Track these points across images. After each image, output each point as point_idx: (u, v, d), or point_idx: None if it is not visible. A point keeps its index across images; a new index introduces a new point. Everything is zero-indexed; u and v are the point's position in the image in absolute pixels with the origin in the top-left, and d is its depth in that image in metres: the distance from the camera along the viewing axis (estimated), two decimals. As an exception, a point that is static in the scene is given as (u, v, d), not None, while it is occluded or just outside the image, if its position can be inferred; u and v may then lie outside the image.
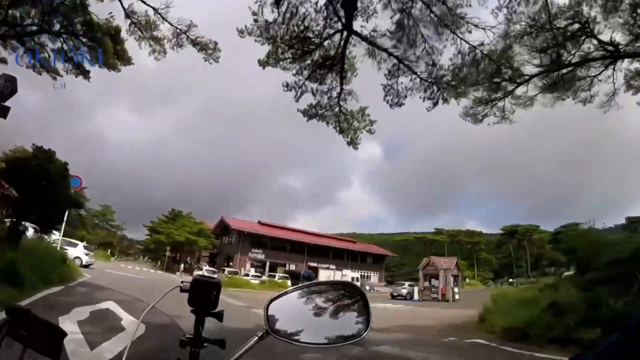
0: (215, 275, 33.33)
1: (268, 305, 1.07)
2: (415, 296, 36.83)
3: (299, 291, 1.11)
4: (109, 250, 58.08)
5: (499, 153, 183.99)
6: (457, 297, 36.02)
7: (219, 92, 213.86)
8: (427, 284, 38.01)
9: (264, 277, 41.72)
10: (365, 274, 60.56)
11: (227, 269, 42.05)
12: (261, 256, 54.48)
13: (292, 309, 1.08)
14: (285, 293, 1.11)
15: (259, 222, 59.27)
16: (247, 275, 40.54)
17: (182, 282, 1.10)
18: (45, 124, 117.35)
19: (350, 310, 1.11)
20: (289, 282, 36.77)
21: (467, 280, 64.79)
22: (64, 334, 1.15)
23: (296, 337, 1.05)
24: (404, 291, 38.14)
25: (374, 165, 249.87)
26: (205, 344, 1.05)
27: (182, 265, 54.01)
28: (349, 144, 15.07)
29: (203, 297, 1.07)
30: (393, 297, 37.27)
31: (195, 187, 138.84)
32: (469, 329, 13.02)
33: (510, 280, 65.69)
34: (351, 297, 1.13)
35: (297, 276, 40.84)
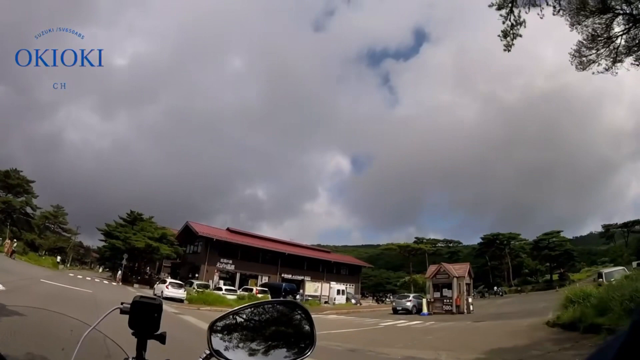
0: (181, 290, 28.41)
1: (211, 327, 1.05)
2: (424, 310, 32.89)
3: (244, 311, 1.10)
4: (58, 257, 51.67)
5: (463, 165, 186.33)
6: (471, 308, 32.38)
7: (185, 101, 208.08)
8: (437, 294, 34.06)
9: (240, 292, 36.82)
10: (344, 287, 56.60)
11: (195, 282, 36.94)
12: (231, 267, 49.72)
13: (236, 330, 1.07)
14: (230, 314, 1.09)
15: (228, 230, 54.50)
16: (220, 289, 35.57)
17: (121, 302, 1.07)
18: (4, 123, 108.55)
19: (294, 328, 1.11)
20: (269, 297, 32.55)
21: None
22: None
23: (240, 358, 1.04)
24: (409, 304, 33.94)
25: (341, 178, 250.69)
26: None
27: (137, 277, 48.82)
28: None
29: (144, 318, 1.04)
30: (396, 311, 33.25)
31: (157, 193, 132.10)
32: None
33: (496, 288, 63.05)
34: (295, 315, 1.13)
35: (279, 290, 36.87)
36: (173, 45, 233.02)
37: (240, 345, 1.06)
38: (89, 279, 38.40)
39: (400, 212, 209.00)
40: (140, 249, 45.34)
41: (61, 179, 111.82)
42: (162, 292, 28.26)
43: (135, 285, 44.07)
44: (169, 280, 33.21)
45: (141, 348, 1.04)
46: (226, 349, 1.04)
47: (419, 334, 17.86)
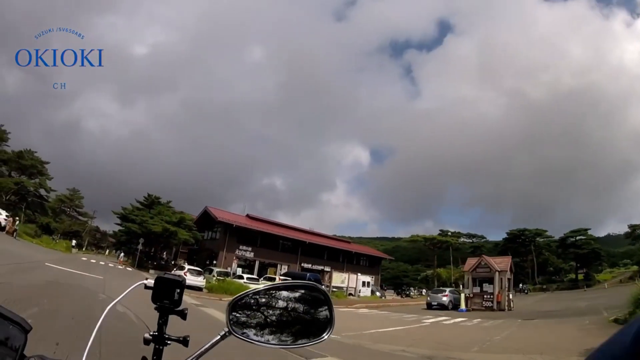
0: (200, 277, 25.92)
1: (231, 305, 1.08)
2: (462, 305, 30.44)
3: (264, 292, 1.11)
4: (73, 241, 50.17)
5: (484, 161, 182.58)
6: (512, 305, 30.04)
7: (204, 90, 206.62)
8: (476, 289, 31.57)
9: (262, 281, 34.67)
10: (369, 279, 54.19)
11: (215, 269, 34.91)
12: (250, 254, 47.68)
13: (255, 310, 1.09)
14: (250, 293, 1.11)
15: (248, 216, 52.30)
16: (241, 277, 33.46)
17: (146, 278, 1.12)
18: (23, 108, 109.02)
19: (313, 311, 1.12)
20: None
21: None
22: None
23: (258, 338, 1.07)
24: (446, 299, 31.50)
25: (360, 170, 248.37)
26: (168, 342, 1.06)
27: (153, 262, 47.10)
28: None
29: (167, 295, 1.07)
30: (430, 306, 30.84)
31: (174, 181, 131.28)
32: None
33: (521, 286, 60.19)
34: (314, 297, 1.13)
35: (302, 280, 34.64)
36: (192, 34, 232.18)
37: (259, 324, 1.07)
38: (103, 263, 36.61)
39: (418, 205, 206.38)
40: (157, 234, 43.48)
41: (79, 166, 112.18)
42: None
43: (151, 271, 42.25)
44: (187, 266, 31.17)
45: (162, 323, 1.06)
46: (245, 327, 1.06)
47: (479, 333, 16.04)
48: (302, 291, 1.15)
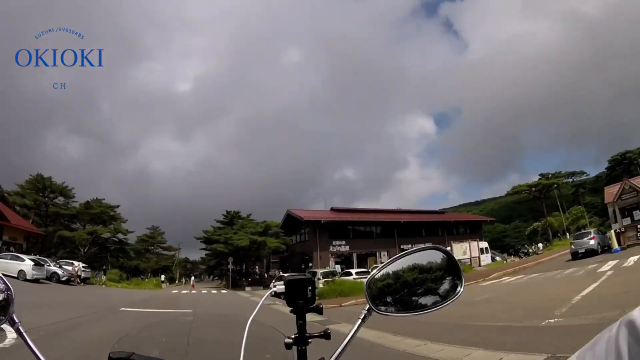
0: None
1: (367, 284, 1.10)
2: (614, 245, 24.26)
3: (391, 265, 1.12)
4: (162, 276, 48.83)
5: (554, 94, 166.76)
6: None
7: (254, 106, 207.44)
8: (626, 221, 25.30)
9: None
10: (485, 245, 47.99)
11: (319, 271, 30.95)
12: (345, 248, 43.53)
13: (388, 284, 1.11)
14: (380, 270, 1.12)
15: (332, 210, 48.08)
16: (348, 274, 29.10)
17: (274, 284, 1.22)
18: (95, 170, 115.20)
19: (440, 271, 1.12)
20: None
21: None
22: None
23: (396, 309, 1.10)
24: (593, 242, 24.60)
25: (428, 140, 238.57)
26: (309, 340, 1.07)
27: (247, 279, 44.35)
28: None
29: (300, 294, 1.09)
30: (575, 256, 24.49)
31: (248, 199, 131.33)
32: None
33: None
34: (439, 259, 1.13)
35: None
36: (228, 56, 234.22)
37: (394, 297, 1.09)
38: (194, 291, 34.08)
39: (497, 161, 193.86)
40: (244, 248, 40.65)
41: (156, 206, 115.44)
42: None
43: (248, 289, 39.34)
44: (286, 275, 27.24)
45: (302, 324, 1.08)
46: (382, 303, 1.09)
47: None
48: (424, 255, 1.13)
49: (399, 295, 1.11)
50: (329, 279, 26.73)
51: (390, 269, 1.12)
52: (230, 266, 42.49)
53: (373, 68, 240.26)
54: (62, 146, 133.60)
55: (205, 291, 35.61)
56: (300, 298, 1.08)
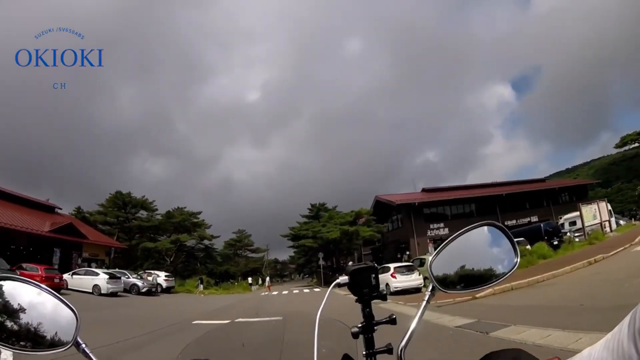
0: (414, 275, 20.80)
1: (430, 265, 1.11)
2: None
3: (450, 244, 1.13)
4: (249, 279, 47.78)
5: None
6: None
7: (324, 102, 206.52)
8: None
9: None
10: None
11: (427, 257, 27.19)
12: (443, 230, 39.37)
13: (449, 263, 1.11)
14: (440, 250, 1.13)
15: (424, 190, 44.00)
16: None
17: (338, 276, 1.18)
18: (180, 187, 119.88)
19: (497, 246, 1.14)
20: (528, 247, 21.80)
21: None
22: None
23: (459, 286, 1.11)
24: None
25: (509, 108, 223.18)
26: (376, 327, 1.09)
27: (339, 275, 41.60)
28: None
29: (365, 283, 1.10)
30: None
31: (332, 195, 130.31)
32: None
33: None
34: (494, 234, 1.15)
35: (538, 232, 27.33)
36: (291, 57, 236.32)
37: (455, 274, 1.11)
38: (286, 292, 31.91)
39: (586, 119, 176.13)
40: (335, 241, 37.93)
41: (243, 212, 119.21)
42: (386, 284, 19.66)
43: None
44: (392, 265, 23.72)
45: (369, 312, 1.09)
46: (446, 280, 1.10)
47: None
48: (480, 232, 1.14)
49: (460, 273, 1.11)
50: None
51: (450, 248, 1.12)
52: (321, 262, 40.17)
53: (439, 43, 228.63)
54: (146, 168, 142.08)
55: (297, 291, 33.40)
56: (365, 286, 1.09)
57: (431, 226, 39.25)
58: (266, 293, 33.83)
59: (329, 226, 38.19)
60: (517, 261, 1.11)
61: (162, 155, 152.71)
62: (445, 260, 1.12)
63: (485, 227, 1.16)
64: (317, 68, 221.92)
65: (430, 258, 1.14)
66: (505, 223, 40.47)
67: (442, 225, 39.51)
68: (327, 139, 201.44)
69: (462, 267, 1.12)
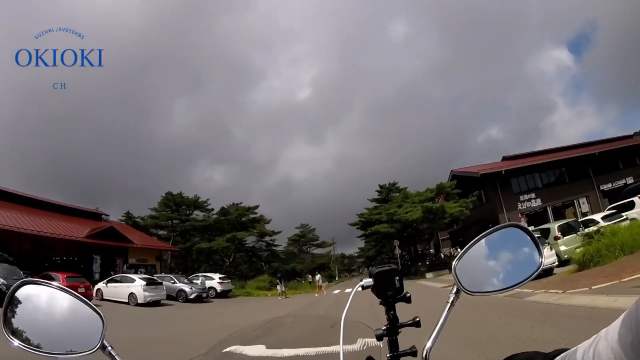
0: (547, 247, 15.86)
1: (455, 267, 1.11)
2: None
3: (473, 247, 1.14)
4: (310, 276, 43.66)
5: None
6: None
7: (375, 90, 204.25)
8: None
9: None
10: None
11: (553, 225, 21.98)
12: (536, 202, 34.95)
13: (473, 265, 1.12)
14: (464, 251, 1.13)
15: (504, 159, 39.37)
16: (572, 230, 19.55)
17: (362, 279, 1.15)
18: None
19: (522, 249, 1.15)
20: None
21: None
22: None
23: (481, 288, 1.11)
24: None
25: (570, 72, 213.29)
26: (400, 330, 1.09)
27: (420, 264, 37.39)
28: None
29: (389, 285, 1.10)
30: None
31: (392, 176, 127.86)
32: None
33: None
34: (519, 237, 1.15)
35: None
36: (337, 50, 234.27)
37: (481, 276, 1.11)
38: (349, 290, 27.25)
39: None
40: (415, 222, 33.87)
41: (303, 212, 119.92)
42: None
43: (429, 275, 32.30)
44: None
45: (393, 314, 1.09)
46: (469, 282, 1.09)
47: None
48: (503, 233, 1.15)
49: (484, 274, 1.11)
50: (581, 234, 17.78)
51: (473, 250, 1.12)
52: (397, 250, 36.27)
53: (484, 10, 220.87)
54: (208, 176, 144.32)
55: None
56: (389, 289, 1.09)
57: (521, 198, 34.79)
58: (316, 295, 29.15)
59: (406, 206, 34.19)
60: (541, 261, 1.10)
61: (222, 163, 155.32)
62: (469, 262, 1.11)
63: (508, 229, 1.15)
64: (363, 57, 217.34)
65: (455, 261, 1.11)
66: (600, 187, 35.67)
67: (533, 195, 35.01)
68: (384, 129, 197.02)
69: (486, 268, 1.11)
